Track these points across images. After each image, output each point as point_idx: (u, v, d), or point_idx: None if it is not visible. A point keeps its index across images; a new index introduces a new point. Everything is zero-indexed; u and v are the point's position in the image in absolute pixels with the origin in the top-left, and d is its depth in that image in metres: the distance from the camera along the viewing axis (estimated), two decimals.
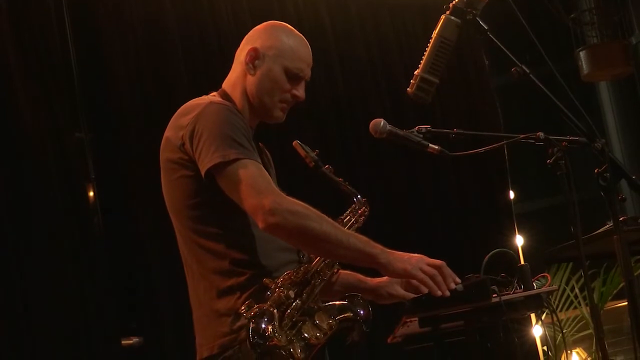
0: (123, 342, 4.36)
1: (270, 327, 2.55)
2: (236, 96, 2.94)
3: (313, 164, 2.97)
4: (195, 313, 2.84)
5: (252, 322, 2.55)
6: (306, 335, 2.64)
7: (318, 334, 2.67)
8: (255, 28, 3.02)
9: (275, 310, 2.59)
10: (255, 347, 2.55)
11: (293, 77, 2.91)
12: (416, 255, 2.76)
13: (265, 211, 2.62)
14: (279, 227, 2.64)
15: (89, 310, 4.23)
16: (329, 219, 2.72)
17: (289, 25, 3.02)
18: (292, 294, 2.65)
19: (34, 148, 4.22)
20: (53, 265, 4.17)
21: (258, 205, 2.64)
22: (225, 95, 2.95)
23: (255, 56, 2.92)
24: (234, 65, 3.00)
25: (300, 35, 3.00)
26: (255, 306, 2.58)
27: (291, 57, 2.91)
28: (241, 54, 2.96)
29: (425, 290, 2.75)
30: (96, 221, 4.40)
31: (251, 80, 2.92)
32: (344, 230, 2.77)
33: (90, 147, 4.46)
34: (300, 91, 2.93)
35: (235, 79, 2.97)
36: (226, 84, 3.00)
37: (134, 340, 4.41)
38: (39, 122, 4.25)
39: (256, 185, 2.66)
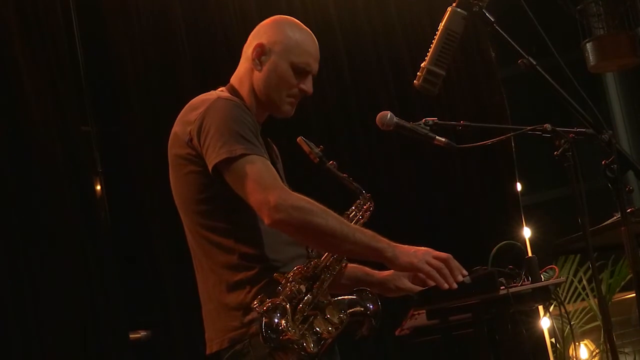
0: (131, 335, 4.37)
1: (283, 322, 2.54)
2: (244, 91, 2.94)
3: (317, 159, 2.96)
4: (204, 307, 2.84)
5: (265, 317, 2.54)
6: (318, 329, 2.64)
7: (330, 328, 2.67)
8: (262, 23, 3.01)
9: (287, 305, 2.58)
10: (268, 341, 2.54)
11: (300, 71, 2.90)
12: (422, 248, 2.75)
13: (270, 207, 2.62)
14: (284, 223, 2.64)
15: (97, 304, 4.24)
16: (335, 214, 2.71)
17: (296, 20, 3.01)
18: (303, 288, 2.65)
19: (41, 141, 4.23)
20: (60, 258, 4.18)
21: (263, 201, 2.63)
22: (233, 91, 2.94)
23: (261, 52, 2.91)
24: (241, 61, 2.99)
25: (307, 29, 2.99)
26: (268, 300, 2.56)
27: (297, 52, 2.90)
28: (248, 50, 2.96)
29: (432, 283, 2.74)
30: (103, 214, 4.41)
31: (258, 75, 2.92)
32: (350, 225, 2.76)
33: (97, 140, 4.47)
34: (307, 85, 2.92)
35: (242, 74, 2.96)
36: (234, 79, 2.99)
37: (141, 334, 4.42)
38: (46, 115, 4.26)
39: (262, 181, 2.66)
